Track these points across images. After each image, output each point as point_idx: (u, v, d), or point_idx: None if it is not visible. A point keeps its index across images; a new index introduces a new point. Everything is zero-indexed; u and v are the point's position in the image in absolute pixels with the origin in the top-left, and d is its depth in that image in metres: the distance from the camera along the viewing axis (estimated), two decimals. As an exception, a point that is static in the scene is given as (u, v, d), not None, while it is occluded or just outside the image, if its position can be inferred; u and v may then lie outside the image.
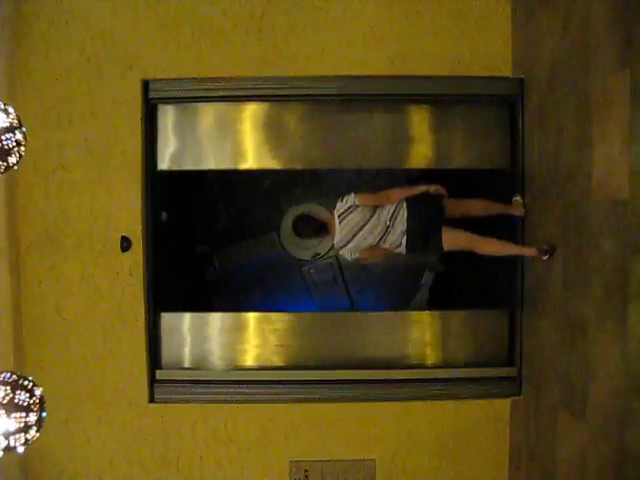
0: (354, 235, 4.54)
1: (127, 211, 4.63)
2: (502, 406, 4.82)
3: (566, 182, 3.98)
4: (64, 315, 4.65)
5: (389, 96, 4.87)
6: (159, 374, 4.80)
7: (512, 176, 4.86)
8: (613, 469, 3.33)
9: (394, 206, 4.52)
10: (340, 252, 4.78)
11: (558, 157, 4.11)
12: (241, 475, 4.77)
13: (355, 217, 4.51)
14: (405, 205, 4.49)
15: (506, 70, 4.76)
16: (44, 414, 2.45)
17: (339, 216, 4.53)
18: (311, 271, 7.18)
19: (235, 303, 7.10)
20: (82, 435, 4.73)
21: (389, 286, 7.13)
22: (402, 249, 4.56)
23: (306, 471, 4.77)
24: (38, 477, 4.72)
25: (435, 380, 4.86)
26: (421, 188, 4.55)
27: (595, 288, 3.55)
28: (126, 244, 4.59)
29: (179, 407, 4.75)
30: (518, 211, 4.68)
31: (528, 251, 4.38)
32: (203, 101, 4.82)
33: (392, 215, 4.51)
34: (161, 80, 4.68)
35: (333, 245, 4.88)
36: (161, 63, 4.67)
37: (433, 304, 6.68)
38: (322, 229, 4.63)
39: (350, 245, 4.58)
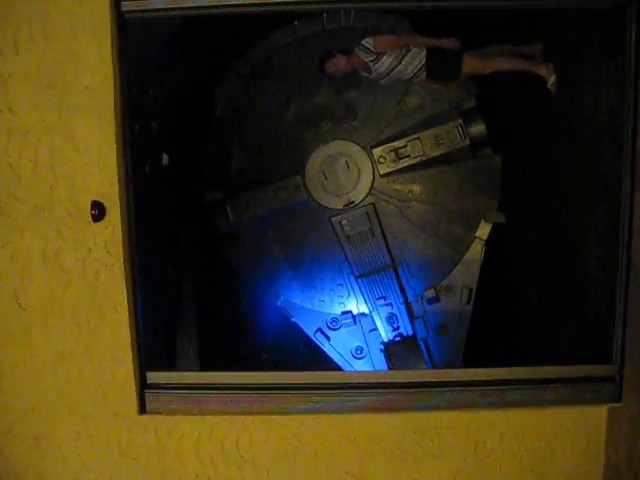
0: None
1: (98, 168, 3.45)
2: (596, 415, 3.70)
3: None
4: (24, 304, 3.57)
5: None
6: (151, 377, 3.73)
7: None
8: None
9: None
10: (363, 41, 4.88)
11: None
12: (259, 504, 3.76)
13: None
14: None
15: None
16: None
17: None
18: (343, 222, 6.05)
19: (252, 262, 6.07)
20: (57, 453, 3.72)
21: (437, 239, 5.97)
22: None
23: (342, 498, 3.73)
24: (4, 505, 3.77)
25: (507, 382, 3.74)
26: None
27: None
28: (98, 212, 3.44)
29: (178, 418, 3.70)
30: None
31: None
32: (195, 13, 3.57)
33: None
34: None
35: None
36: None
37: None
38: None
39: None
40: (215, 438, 3.71)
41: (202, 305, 6.03)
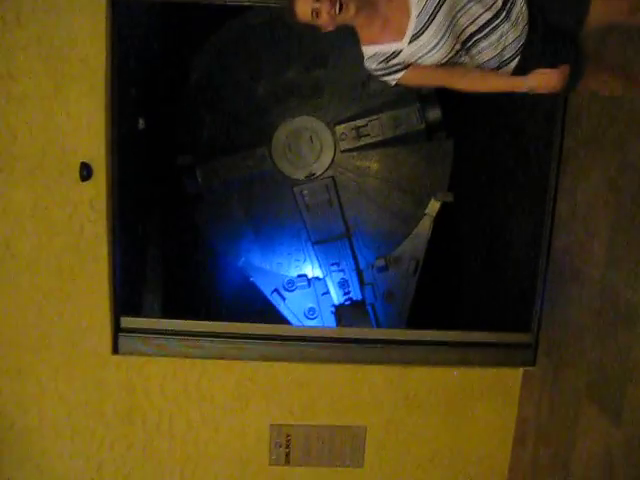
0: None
1: (88, 133, 3.83)
2: (513, 376, 4.28)
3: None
4: (14, 252, 3.96)
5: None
6: (125, 322, 4.17)
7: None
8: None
9: None
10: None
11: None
12: (215, 437, 4.26)
13: None
14: None
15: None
16: None
17: None
18: (304, 192, 6.49)
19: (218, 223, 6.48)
20: (37, 386, 4.15)
21: (390, 213, 6.46)
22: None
23: (288, 436, 4.26)
24: (-15, 428, 4.20)
25: (437, 343, 4.28)
26: None
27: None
28: (86, 172, 3.84)
29: (146, 360, 4.17)
30: None
31: None
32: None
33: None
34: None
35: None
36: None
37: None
38: None
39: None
40: (178, 378, 4.19)
41: (168, 262, 6.44)
